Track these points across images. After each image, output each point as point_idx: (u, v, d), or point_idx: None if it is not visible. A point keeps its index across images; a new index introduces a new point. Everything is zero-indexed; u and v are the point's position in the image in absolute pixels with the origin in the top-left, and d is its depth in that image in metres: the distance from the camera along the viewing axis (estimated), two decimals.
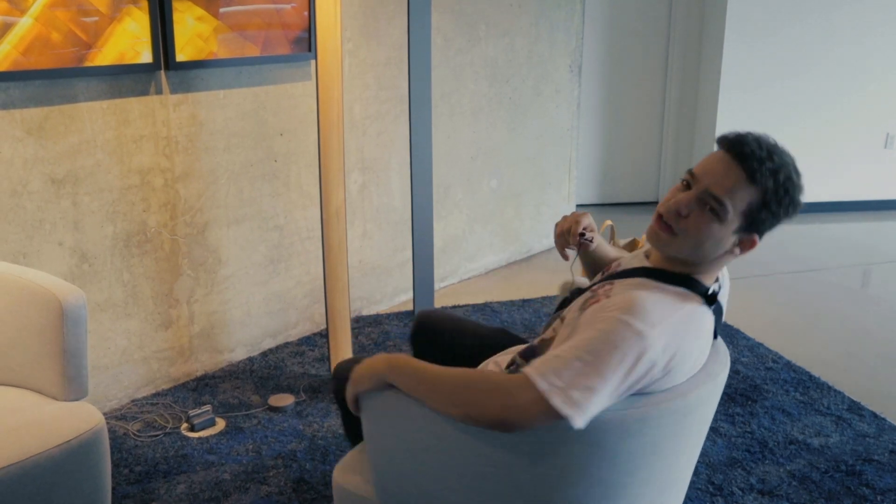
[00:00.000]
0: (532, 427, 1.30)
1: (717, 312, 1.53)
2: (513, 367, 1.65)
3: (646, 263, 1.54)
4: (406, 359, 1.45)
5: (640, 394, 1.37)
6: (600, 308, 1.38)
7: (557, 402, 1.27)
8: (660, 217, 1.45)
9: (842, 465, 2.51)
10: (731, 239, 1.43)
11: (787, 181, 1.41)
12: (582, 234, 1.75)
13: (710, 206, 1.39)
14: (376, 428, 1.54)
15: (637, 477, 1.46)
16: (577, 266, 2.34)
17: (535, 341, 1.70)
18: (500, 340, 1.99)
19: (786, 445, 2.61)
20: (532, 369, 1.31)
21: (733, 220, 1.40)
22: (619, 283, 1.48)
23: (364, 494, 1.62)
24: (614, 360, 1.29)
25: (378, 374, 1.47)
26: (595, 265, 1.86)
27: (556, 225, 1.81)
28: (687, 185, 1.44)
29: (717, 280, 1.54)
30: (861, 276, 4.30)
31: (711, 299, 1.47)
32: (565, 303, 1.70)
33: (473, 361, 1.91)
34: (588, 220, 1.78)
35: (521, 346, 1.87)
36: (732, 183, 1.38)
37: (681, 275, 1.46)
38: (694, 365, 1.46)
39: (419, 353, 2.10)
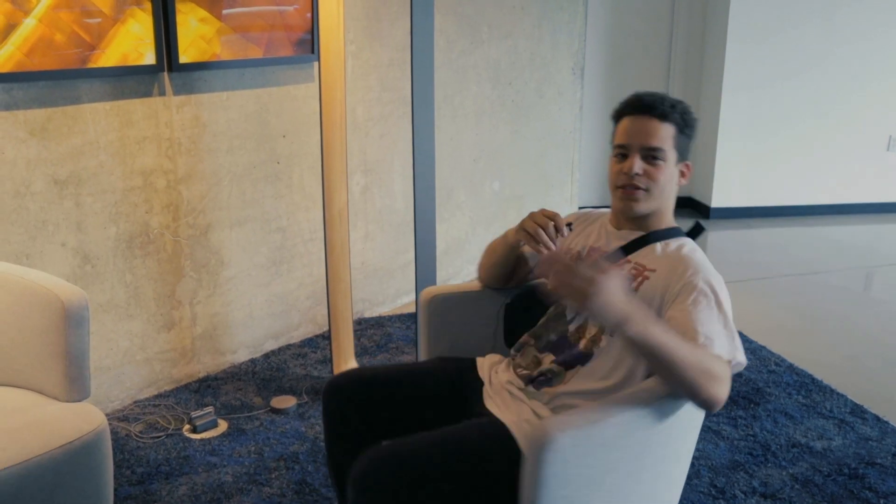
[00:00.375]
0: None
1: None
2: (544, 377, 1.69)
3: (626, 234, 1.77)
4: (641, 318, 1.38)
5: None
6: (664, 279, 1.62)
7: (741, 357, 1.54)
8: (624, 188, 1.71)
9: (844, 469, 2.50)
10: (676, 170, 1.73)
11: (683, 108, 1.73)
12: (569, 225, 1.85)
13: (653, 156, 1.69)
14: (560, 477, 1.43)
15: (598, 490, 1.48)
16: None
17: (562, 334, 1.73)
18: (449, 368, 1.86)
19: (788, 448, 2.61)
20: (724, 353, 1.52)
21: (671, 155, 1.70)
22: (635, 257, 1.71)
23: None
24: (728, 303, 1.57)
25: (611, 320, 1.36)
26: (525, 262, 1.96)
27: (531, 223, 1.74)
28: (623, 156, 1.72)
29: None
30: (863, 278, 4.30)
31: (694, 234, 1.78)
32: (523, 308, 1.87)
33: (428, 404, 1.78)
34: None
35: (493, 359, 1.86)
36: (655, 129, 1.69)
37: (666, 230, 1.75)
38: None
39: (344, 425, 1.77)
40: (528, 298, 1.87)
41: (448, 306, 2.02)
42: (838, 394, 2.97)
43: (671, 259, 1.66)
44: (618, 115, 1.77)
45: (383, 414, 1.76)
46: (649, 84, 5.42)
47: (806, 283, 4.20)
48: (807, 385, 3.03)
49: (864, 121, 5.29)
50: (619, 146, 1.73)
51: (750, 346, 3.37)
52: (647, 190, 1.70)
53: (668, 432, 1.57)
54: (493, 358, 1.88)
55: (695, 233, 1.79)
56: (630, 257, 1.72)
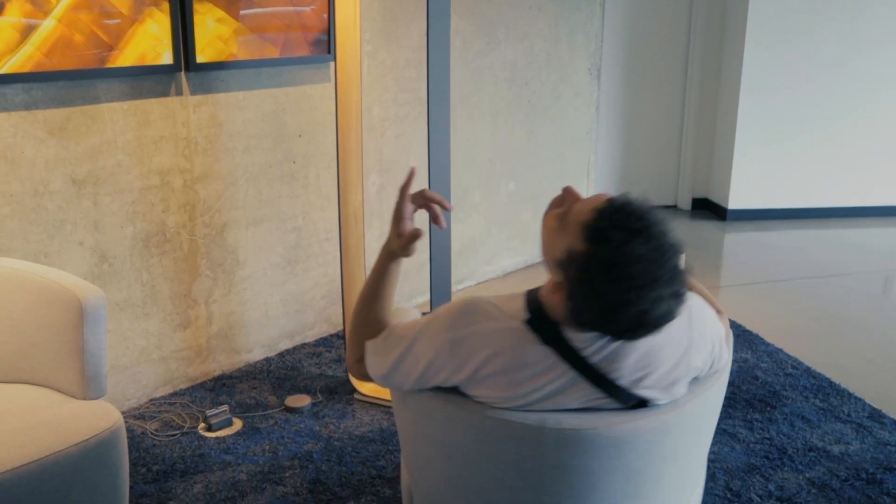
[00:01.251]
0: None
1: (581, 366, 1.35)
2: None
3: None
4: (384, 261, 1.55)
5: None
6: (452, 302, 1.49)
7: (374, 367, 1.50)
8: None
9: (862, 474, 2.48)
10: (556, 271, 1.31)
11: (623, 272, 1.20)
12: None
13: (564, 209, 1.32)
14: (409, 427, 1.57)
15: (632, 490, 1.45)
16: None
17: None
18: None
19: (805, 452, 2.59)
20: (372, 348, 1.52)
21: (561, 244, 1.29)
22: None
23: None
24: (421, 348, 1.42)
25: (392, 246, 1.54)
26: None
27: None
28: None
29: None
30: (882, 282, 4.26)
31: (554, 341, 1.34)
32: None
33: None
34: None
35: None
36: (582, 214, 1.27)
37: (539, 306, 1.37)
38: (529, 395, 1.37)
39: None
40: None
41: None
42: (856, 398, 2.94)
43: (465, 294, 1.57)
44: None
45: None
46: (667, 85, 5.40)
47: (824, 285, 4.17)
48: (824, 388, 3.01)
49: (882, 123, 5.24)
50: (570, 191, 1.38)
51: (767, 348, 3.34)
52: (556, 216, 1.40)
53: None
54: None
55: (536, 320, 1.37)
56: None
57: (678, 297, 1.25)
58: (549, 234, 1.34)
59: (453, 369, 1.39)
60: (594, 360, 1.34)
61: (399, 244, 1.51)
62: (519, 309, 1.38)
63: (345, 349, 2.97)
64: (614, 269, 1.20)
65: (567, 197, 1.35)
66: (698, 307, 1.47)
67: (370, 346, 1.52)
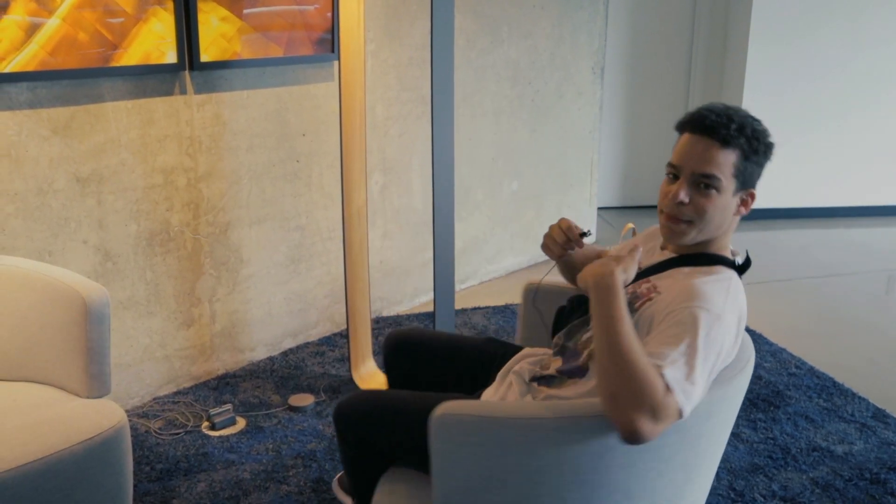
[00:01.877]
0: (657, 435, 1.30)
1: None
2: (546, 378, 1.67)
3: (666, 255, 1.65)
4: (617, 291, 1.39)
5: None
6: (665, 304, 1.47)
7: (687, 407, 1.31)
8: (668, 215, 1.56)
9: (866, 474, 2.47)
10: (734, 201, 1.55)
11: (753, 132, 1.52)
12: (583, 234, 1.77)
13: (705, 184, 1.51)
14: (448, 454, 1.45)
15: (659, 477, 1.46)
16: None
17: (557, 344, 1.70)
18: (492, 350, 1.96)
19: (809, 452, 2.59)
20: (671, 383, 1.31)
21: (728, 185, 1.51)
22: (657, 278, 1.59)
23: None
24: (710, 349, 1.38)
25: (596, 280, 1.41)
26: (575, 267, 1.88)
27: (550, 235, 1.79)
28: (674, 177, 1.55)
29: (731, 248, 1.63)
30: (885, 281, 4.25)
31: (742, 269, 1.60)
32: (568, 310, 1.76)
33: (463, 376, 1.92)
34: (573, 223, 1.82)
35: (537, 352, 1.87)
36: (712, 155, 1.50)
37: (705, 255, 1.58)
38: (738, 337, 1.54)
39: (396, 376, 2.01)
40: (576, 304, 1.83)
41: (545, 298, 2.07)
42: (860, 397, 2.94)
43: (680, 285, 1.49)
44: (680, 129, 1.57)
45: (423, 372, 1.96)
46: (670, 84, 5.39)
47: (827, 285, 4.16)
48: (828, 388, 3.01)
49: (886, 123, 5.23)
50: (671, 165, 1.55)
51: (770, 348, 3.34)
52: (690, 222, 1.53)
53: (593, 456, 1.40)
54: (538, 350, 1.88)
55: (743, 267, 1.60)
56: (652, 277, 1.60)
57: None
58: (717, 205, 1.52)
59: (734, 342, 1.47)
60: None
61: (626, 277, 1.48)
62: (718, 268, 1.56)
63: (347, 348, 2.98)
64: (756, 131, 1.54)
65: (675, 172, 1.56)
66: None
67: (672, 378, 1.31)
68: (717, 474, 2.46)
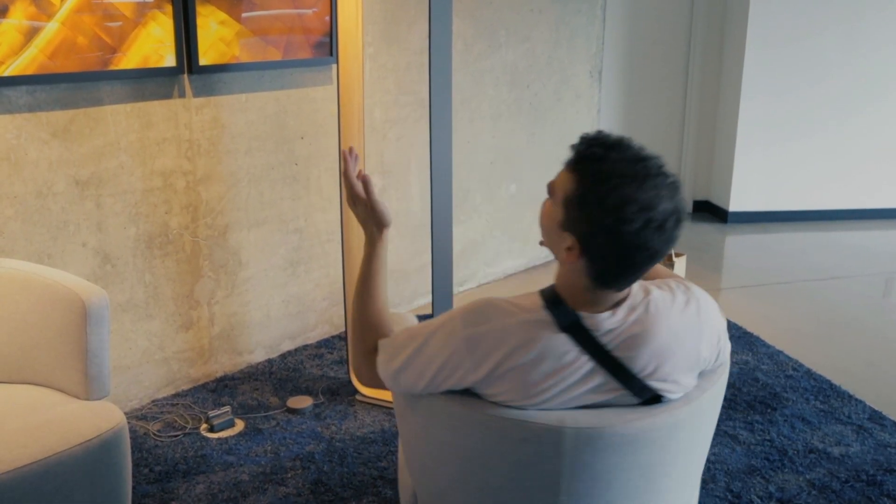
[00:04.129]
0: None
1: (591, 346, 1.35)
2: None
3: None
4: (372, 251, 1.56)
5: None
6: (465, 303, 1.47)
7: (383, 372, 1.47)
8: None
9: (862, 475, 2.48)
10: (563, 237, 1.33)
11: (604, 175, 1.26)
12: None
13: (549, 190, 1.38)
14: (417, 431, 1.55)
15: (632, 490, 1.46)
16: None
17: None
18: None
19: (805, 454, 2.60)
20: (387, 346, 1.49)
21: (557, 209, 1.33)
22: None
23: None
24: (429, 350, 1.40)
25: (365, 229, 1.58)
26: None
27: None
28: None
29: (618, 311, 1.37)
30: (882, 284, 4.26)
31: (572, 328, 1.35)
32: None
33: None
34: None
35: None
36: (562, 173, 1.34)
37: (556, 297, 1.38)
38: (551, 394, 1.37)
39: None
40: None
41: None
42: (856, 399, 2.95)
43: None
44: None
45: None
46: (668, 88, 5.40)
47: (824, 288, 4.17)
48: (825, 390, 3.01)
49: (883, 125, 5.25)
50: None
51: (768, 350, 3.35)
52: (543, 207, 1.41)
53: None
54: None
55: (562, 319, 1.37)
56: None
57: (675, 187, 1.31)
58: (546, 216, 1.38)
59: (470, 367, 1.37)
60: (611, 346, 1.36)
61: (367, 214, 1.57)
62: (535, 302, 1.39)
63: (346, 350, 2.98)
64: (606, 176, 1.26)
65: (551, 186, 1.39)
66: (704, 298, 1.48)
67: (382, 343, 1.49)
68: (714, 476, 2.47)
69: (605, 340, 1.35)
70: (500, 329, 1.36)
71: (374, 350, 1.50)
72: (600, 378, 1.37)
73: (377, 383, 1.51)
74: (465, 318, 1.38)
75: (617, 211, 1.25)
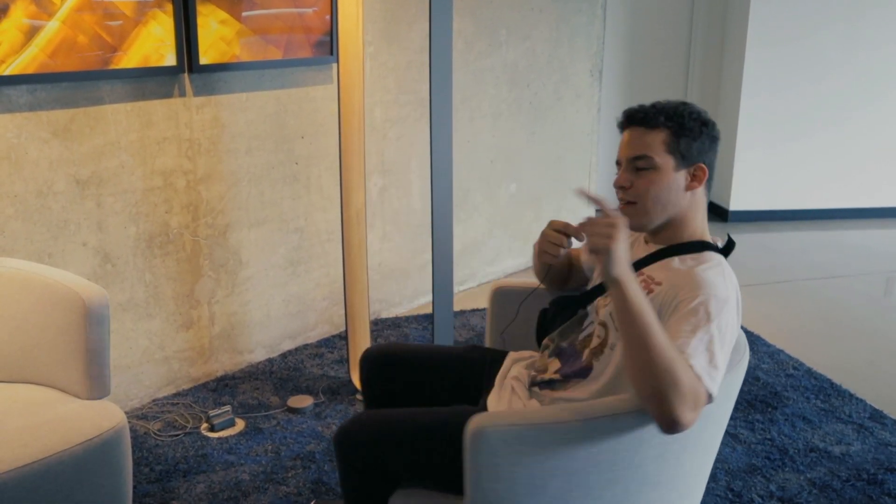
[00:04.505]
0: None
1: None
2: (548, 383, 1.68)
3: (652, 247, 1.69)
4: (632, 282, 1.38)
5: None
6: (670, 296, 1.52)
7: (715, 390, 1.40)
8: (620, 204, 1.65)
9: (863, 474, 2.48)
10: (679, 176, 1.61)
11: (677, 111, 1.61)
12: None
13: (639, 167, 1.60)
14: (486, 466, 1.46)
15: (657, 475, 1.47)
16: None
17: (564, 345, 1.71)
18: (477, 357, 1.92)
19: (806, 453, 2.59)
20: (698, 370, 1.39)
21: (665, 162, 1.59)
22: (650, 270, 1.63)
23: None
24: (724, 332, 1.45)
25: (614, 270, 1.37)
26: (562, 269, 1.96)
27: (547, 238, 1.71)
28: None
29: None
30: (883, 283, 4.26)
31: (726, 252, 1.65)
32: (552, 313, 1.80)
33: (451, 387, 1.88)
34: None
35: (523, 356, 1.87)
36: (639, 139, 1.61)
37: (690, 243, 1.63)
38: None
39: (373, 394, 1.93)
40: (560, 305, 1.85)
41: (512, 300, 2.08)
42: (857, 398, 2.95)
43: (680, 275, 1.54)
44: (619, 129, 1.70)
45: (403, 388, 1.90)
46: (668, 87, 5.40)
47: (825, 287, 4.17)
48: (825, 389, 3.01)
49: (884, 124, 5.25)
50: (617, 163, 1.67)
51: (768, 349, 3.35)
52: (634, 203, 1.61)
53: (629, 451, 1.46)
54: (524, 354, 1.89)
55: (727, 249, 1.66)
56: (644, 270, 1.64)
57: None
58: (650, 182, 1.59)
59: (737, 321, 1.54)
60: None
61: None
62: (712, 256, 1.60)
63: (346, 350, 2.98)
64: (692, 110, 1.65)
65: (623, 173, 1.64)
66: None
67: (701, 369, 1.38)
68: (715, 475, 2.47)
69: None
70: (723, 277, 1.54)
71: (687, 383, 1.34)
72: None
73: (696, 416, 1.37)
74: (712, 291, 1.48)
75: (714, 124, 1.66)
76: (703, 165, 1.62)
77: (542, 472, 1.43)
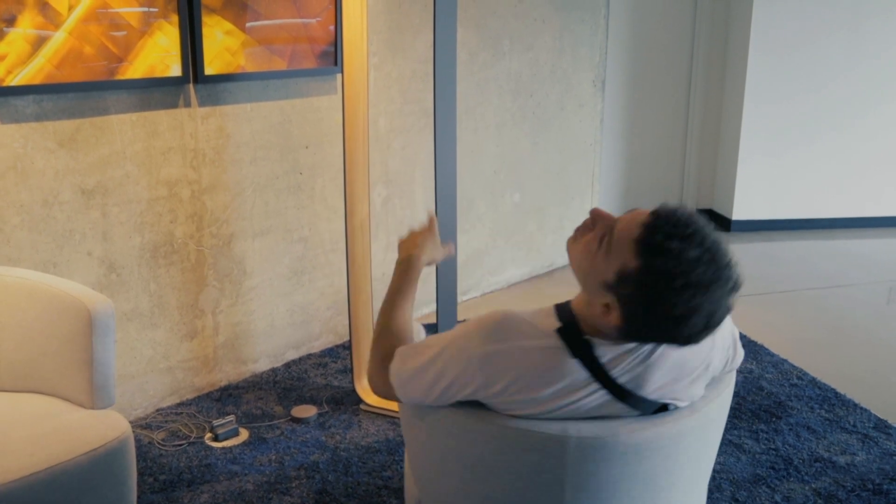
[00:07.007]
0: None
1: (602, 376, 1.34)
2: None
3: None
4: (414, 270, 1.63)
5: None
6: (482, 314, 1.47)
7: (397, 388, 1.47)
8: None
9: (868, 484, 2.48)
10: (603, 295, 1.30)
11: (685, 284, 1.21)
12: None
13: (603, 237, 1.31)
14: (423, 440, 1.56)
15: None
16: None
17: None
18: None
19: (811, 463, 2.59)
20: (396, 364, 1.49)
21: (609, 268, 1.28)
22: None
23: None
24: (447, 360, 1.39)
25: (401, 260, 1.65)
26: None
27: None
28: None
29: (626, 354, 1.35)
30: (887, 292, 4.26)
31: (585, 356, 1.33)
32: None
33: None
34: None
35: None
36: (626, 236, 1.27)
37: (567, 310, 1.38)
38: (552, 406, 1.36)
39: None
40: None
41: None
42: (862, 408, 2.94)
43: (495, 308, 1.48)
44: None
45: None
46: (670, 96, 5.41)
47: (829, 296, 4.17)
48: (830, 399, 3.01)
49: (887, 133, 5.25)
50: (606, 216, 1.39)
51: (772, 359, 3.35)
52: (575, 240, 1.41)
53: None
54: None
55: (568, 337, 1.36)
56: None
57: (736, 289, 1.26)
58: (588, 258, 1.32)
59: (481, 384, 1.36)
60: (622, 380, 1.34)
61: (430, 258, 1.69)
62: (551, 324, 1.37)
63: (351, 360, 2.98)
64: (678, 277, 1.21)
65: (598, 219, 1.34)
66: None
67: (399, 350, 1.49)
68: (720, 485, 2.46)
69: (615, 370, 1.34)
70: (516, 350, 1.34)
71: (389, 356, 1.49)
72: (608, 398, 1.36)
73: (389, 393, 1.50)
74: (482, 334, 1.37)
75: (681, 320, 1.24)
76: (618, 315, 1.29)
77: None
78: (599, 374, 1.33)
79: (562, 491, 1.39)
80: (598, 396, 1.35)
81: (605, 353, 1.33)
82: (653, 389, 1.36)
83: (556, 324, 1.36)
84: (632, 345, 1.34)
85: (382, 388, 1.51)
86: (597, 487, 1.39)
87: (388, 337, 1.54)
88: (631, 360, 1.34)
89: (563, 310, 1.39)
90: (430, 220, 1.72)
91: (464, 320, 3.29)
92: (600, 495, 1.40)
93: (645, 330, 1.28)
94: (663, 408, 1.40)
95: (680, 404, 1.41)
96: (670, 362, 1.36)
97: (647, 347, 1.34)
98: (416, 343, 1.51)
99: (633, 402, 1.36)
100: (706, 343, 1.39)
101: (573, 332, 1.35)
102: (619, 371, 1.34)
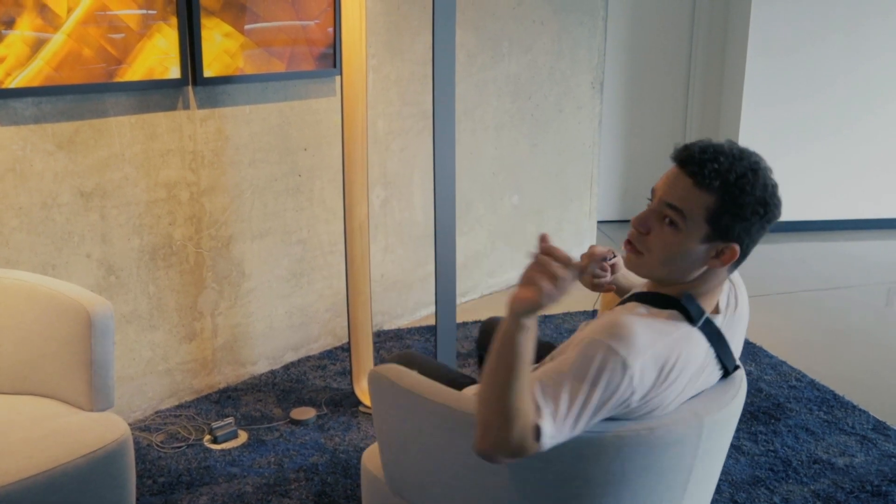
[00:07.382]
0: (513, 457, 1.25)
1: (715, 338, 1.43)
2: None
3: (643, 289, 1.51)
4: (508, 331, 1.23)
5: (614, 419, 1.37)
6: (587, 331, 1.35)
7: (548, 446, 1.25)
8: (627, 239, 1.44)
9: (867, 486, 2.48)
10: (703, 249, 1.37)
11: (738, 181, 1.34)
12: (605, 259, 1.68)
13: (669, 218, 1.37)
14: (385, 419, 1.62)
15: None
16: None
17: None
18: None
19: (810, 465, 2.59)
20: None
21: (696, 228, 1.36)
22: (616, 310, 1.46)
23: (380, 477, 1.73)
24: (593, 383, 1.27)
25: (524, 315, 1.24)
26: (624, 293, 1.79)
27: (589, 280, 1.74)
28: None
29: (718, 303, 1.47)
30: (885, 294, 4.26)
31: (704, 321, 1.41)
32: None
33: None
34: (601, 248, 1.68)
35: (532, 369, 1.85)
36: (682, 190, 1.36)
37: (672, 297, 1.41)
38: (680, 394, 1.41)
39: None
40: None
41: None
42: (860, 410, 2.95)
43: (609, 316, 1.37)
44: (672, 159, 1.44)
45: None
46: (669, 98, 5.42)
47: (827, 298, 4.17)
48: (828, 401, 3.01)
49: (885, 135, 5.26)
50: (652, 189, 1.45)
51: (771, 360, 3.35)
52: (640, 253, 1.41)
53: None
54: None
55: (692, 317, 1.41)
56: (615, 308, 1.50)
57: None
58: (675, 241, 1.37)
59: (636, 388, 1.31)
60: (725, 332, 1.46)
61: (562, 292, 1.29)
62: (672, 314, 1.40)
63: (349, 362, 2.98)
64: (735, 169, 1.36)
65: (643, 221, 1.41)
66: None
67: (545, 416, 1.26)
68: (719, 487, 2.46)
69: (722, 329, 1.45)
70: (665, 346, 1.35)
71: (526, 433, 1.24)
72: (711, 366, 1.45)
73: (521, 454, 1.25)
74: (618, 345, 1.29)
75: (769, 193, 1.39)
76: (737, 247, 1.38)
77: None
78: (714, 338, 1.43)
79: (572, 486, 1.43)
80: (708, 362, 1.44)
81: (714, 316, 1.45)
82: (737, 345, 1.54)
83: (680, 315, 1.40)
84: (723, 300, 1.47)
85: (513, 458, 1.27)
86: (610, 481, 1.43)
87: (515, 421, 1.23)
88: (726, 314, 1.48)
89: (687, 300, 1.41)
90: (563, 257, 1.33)
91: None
92: (617, 487, 1.44)
93: (757, 227, 1.38)
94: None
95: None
96: (745, 316, 1.57)
97: (731, 297, 1.51)
98: (545, 400, 1.27)
99: (729, 360, 1.48)
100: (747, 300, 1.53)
101: (698, 312, 1.41)
102: (722, 326, 1.47)
